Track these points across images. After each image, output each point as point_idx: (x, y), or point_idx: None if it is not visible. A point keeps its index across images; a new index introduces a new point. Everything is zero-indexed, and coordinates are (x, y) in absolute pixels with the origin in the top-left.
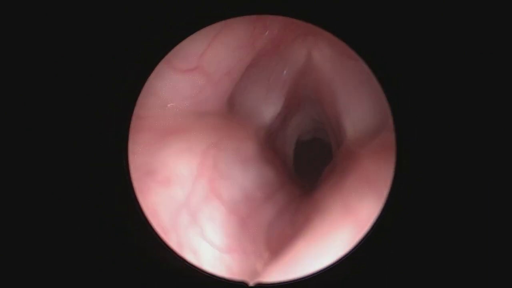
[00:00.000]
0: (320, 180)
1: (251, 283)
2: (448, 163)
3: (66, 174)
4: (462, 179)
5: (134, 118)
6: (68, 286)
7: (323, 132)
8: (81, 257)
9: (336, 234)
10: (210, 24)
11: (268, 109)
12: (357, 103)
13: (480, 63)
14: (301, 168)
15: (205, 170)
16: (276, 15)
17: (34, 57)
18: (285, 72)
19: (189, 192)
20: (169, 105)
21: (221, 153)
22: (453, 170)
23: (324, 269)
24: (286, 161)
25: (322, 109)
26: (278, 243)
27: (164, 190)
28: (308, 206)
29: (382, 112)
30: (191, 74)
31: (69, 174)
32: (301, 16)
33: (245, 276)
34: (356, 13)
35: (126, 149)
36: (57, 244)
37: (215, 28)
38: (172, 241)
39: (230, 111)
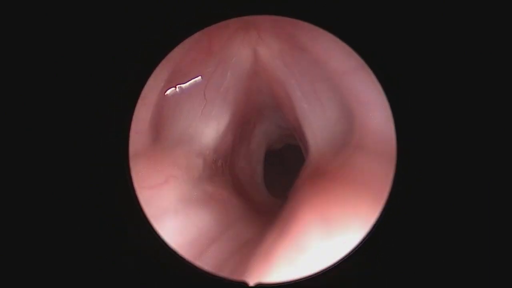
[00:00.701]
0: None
1: (251, 283)
2: (448, 163)
3: (66, 174)
4: (462, 179)
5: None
6: (68, 286)
7: (293, 138)
8: (81, 257)
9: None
10: (210, 25)
11: (208, 126)
12: (318, 109)
13: (480, 63)
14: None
15: None
16: (271, 15)
17: (34, 57)
18: (227, 78)
19: None
20: None
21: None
22: (453, 170)
23: (324, 269)
24: (254, 177)
25: (283, 115)
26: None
27: None
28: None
29: (347, 122)
30: None
31: (69, 174)
32: (300, 16)
33: None
34: (356, 13)
35: (126, 149)
36: (57, 244)
37: None
38: None
39: (155, 143)
